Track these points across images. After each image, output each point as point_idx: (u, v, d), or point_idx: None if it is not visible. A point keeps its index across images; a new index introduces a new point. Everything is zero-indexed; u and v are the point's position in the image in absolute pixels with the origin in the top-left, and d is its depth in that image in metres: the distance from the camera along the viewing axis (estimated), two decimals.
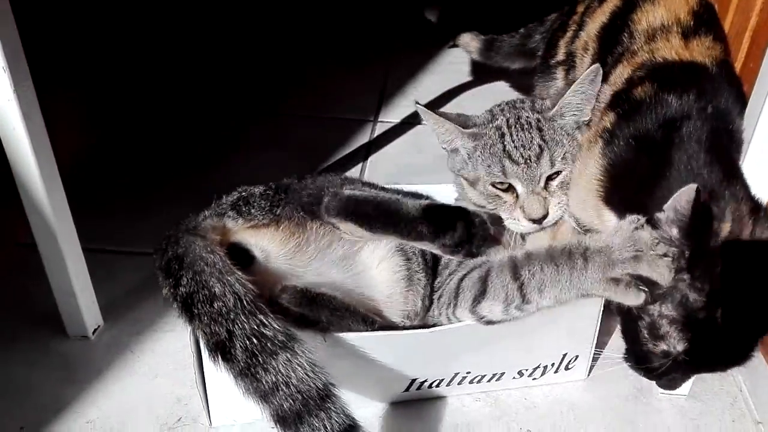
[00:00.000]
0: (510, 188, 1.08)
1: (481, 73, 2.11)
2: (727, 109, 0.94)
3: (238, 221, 0.98)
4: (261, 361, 0.83)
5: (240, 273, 0.89)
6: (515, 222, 1.08)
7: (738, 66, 1.17)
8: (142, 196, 1.58)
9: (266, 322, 0.85)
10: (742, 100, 0.96)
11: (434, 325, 1.03)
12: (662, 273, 0.85)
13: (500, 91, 1.95)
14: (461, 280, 1.00)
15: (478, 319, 0.98)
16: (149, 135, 1.85)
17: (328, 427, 0.81)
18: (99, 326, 1.20)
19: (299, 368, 0.83)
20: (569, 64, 1.31)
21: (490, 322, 0.98)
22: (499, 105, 1.15)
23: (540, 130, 1.07)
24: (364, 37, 2.47)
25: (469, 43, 1.77)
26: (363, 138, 1.85)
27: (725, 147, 0.91)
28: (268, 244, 0.98)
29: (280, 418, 0.83)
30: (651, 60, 1.03)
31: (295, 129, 1.89)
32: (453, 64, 2.23)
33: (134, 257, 1.36)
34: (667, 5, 1.10)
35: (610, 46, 1.13)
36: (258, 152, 1.75)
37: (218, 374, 0.96)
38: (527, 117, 1.08)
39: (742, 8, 1.18)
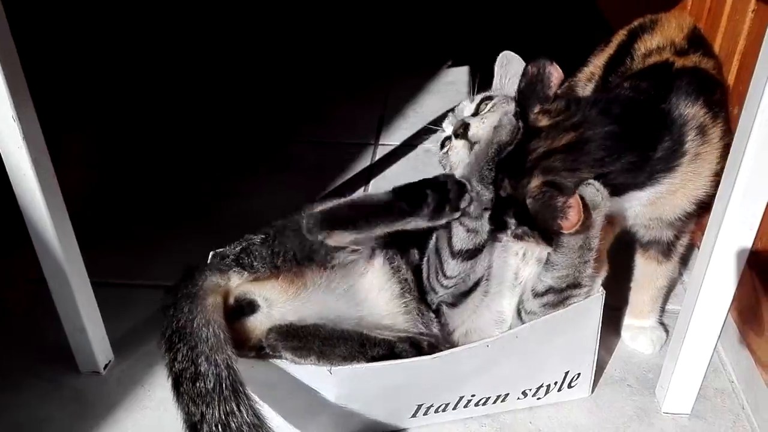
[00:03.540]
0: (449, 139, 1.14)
1: (480, 93, 2.14)
2: (665, 93, 1.02)
3: (243, 275, 1.01)
4: None
5: (230, 350, 0.91)
6: (449, 150, 1.11)
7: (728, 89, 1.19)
8: (150, 227, 1.61)
9: (236, 411, 0.86)
10: (694, 85, 1.03)
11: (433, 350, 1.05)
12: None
13: None
14: (435, 246, 1.04)
15: (460, 257, 1.01)
16: (155, 166, 1.89)
17: None
18: (110, 361, 1.23)
19: None
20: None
21: (468, 253, 1.01)
22: None
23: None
24: (363, 61, 2.51)
25: None
26: (365, 161, 1.88)
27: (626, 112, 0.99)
28: (270, 293, 1.00)
29: None
30: (641, 67, 1.12)
31: (298, 155, 1.92)
32: (452, 84, 2.27)
33: (143, 290, 1.38)
34: (663, 33, 1.17)
35: (614, 68, 1.21)
36: (263, 180, 1.78)
37: None
38: None
39: (729, 32, 1.21)
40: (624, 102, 1.02)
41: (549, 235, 1.00)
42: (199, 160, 1.92)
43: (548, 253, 1.04)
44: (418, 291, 1.10)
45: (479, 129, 1.07)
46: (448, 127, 1.17)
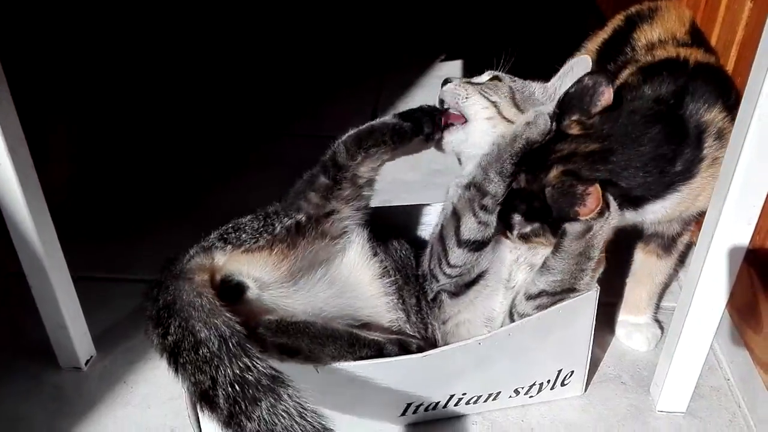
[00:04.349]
0: None
1: None
2: (684, 97, 1.01)
3: (226, 249, 0.97)
4: (244, 409, 0.80)
5: (228, 314, 0.88)
6: None
7: None
8: (134, 220, 1.58)
9: (251, 365, 0.82)
10: (711, 88, 1.02)
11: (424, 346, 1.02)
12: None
13: None
14: (440, 234, 1.05)
15: (467, 247, 1.02)
16: (141, 158, 1.85)
17: None
18: (92, 357, 1.20)
19: (285, 415, 0.80)
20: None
21: (475, 244, 1.02)
22: None
23: None
24: (356, 55, 2.48)
25: None
26: None
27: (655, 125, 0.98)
28: (261, 271, 0.97)
29: None
30: (651, 61, 1.10)
31: (290, 149, 1.88)
32: (444, 78, 2.23)
33: (126, 284, 1.35)
34: (663, 25, 1.16)
35: (613, 56, 1.19)
36: (254, 174, 1.75)
37: None
38: None
39: (728, 22, 1.19)
40: (647, 117, 0.99)
41: (560, 226, 1.00)
42: (188, 154, 1.88)
43: (546, 257, 1.03)
44: (404, 281, 1.10)
45: (446, 93, 1.14)
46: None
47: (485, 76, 1.18)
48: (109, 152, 1.87)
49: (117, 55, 2.28)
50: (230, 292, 0.94)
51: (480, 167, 1.00)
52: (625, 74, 1.13)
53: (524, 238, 1.04)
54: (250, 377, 0.82)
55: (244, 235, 0.98)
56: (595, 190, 0.92)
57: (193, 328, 0.86)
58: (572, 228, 0.98)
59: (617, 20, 1.24)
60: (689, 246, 1.22)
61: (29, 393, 1.13)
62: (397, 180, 1.72)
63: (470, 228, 1.01)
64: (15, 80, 0.98)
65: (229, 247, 0.97)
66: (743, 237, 0.93)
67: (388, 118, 1.11)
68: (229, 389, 0.81)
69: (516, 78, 1.18)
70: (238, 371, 0.82)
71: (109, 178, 1.76)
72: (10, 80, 0.97)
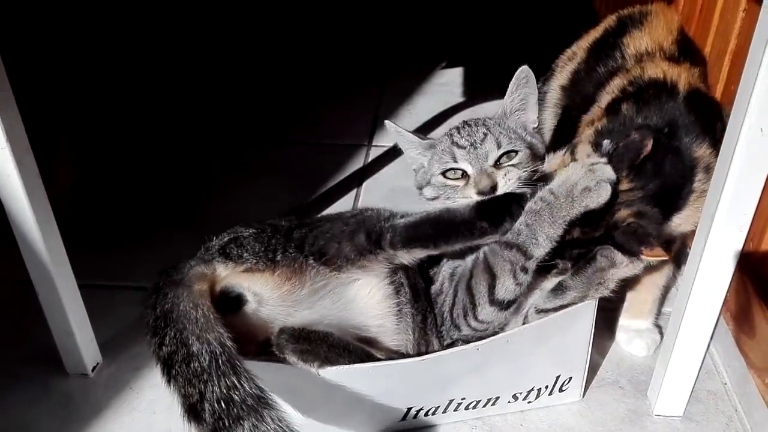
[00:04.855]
0: (463, 175, 1.09)
1: (473, 95, 2.13)
2: (678, 130, 1.06)
3: (228, 265, 0.98)
4: (227, 426, 0.82)
5: (221, 328, 0.89)
6: (466, 199, 1.08)
7: (720, 88, 1.19)
8: (138, 228, 1.60)
9: (237, 384, 0.84)
10: (701, 122, 1.06)
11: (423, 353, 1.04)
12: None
13: (492, 112, 1.96)
14: (468, 283, 1.02)
15: (499, 306, 1.01)
16: (144, 167, 1.88)
17: None
18: (98, 363, 1.22)
19: None
20: (546, 74, 1.41)
21: (509, 304, 1.01)
22: None
23: (485, 125, 1.13)
24: (358, 62, 2.50)
25: None
26: (358, 162, 1.86)
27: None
28: (262, 288, 0.98)
29: None
30: (641, 77, 1.12)
31: (291, 156, 1.90)
32: (445, 85, 2.25)
33: (131, 291, 1.37)
34: (651, 34, 1.18)
35: (603, 58, 1.23)
36: (255, 181, 1.77)
37: None
38: (474, 120, 1.16)
39: (721, 32, 1.20)
40: (665, 160, 1.03)
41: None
42: (189, 162, 1.90)
43: (564, 279, 1.04)
44: (415, 299, 1.07)
45: (504, 190, 1.06)
46: (464, 163, 1.09)
47: (496, 147, 1.09)
48: (111, 161, 1.90)
49: (119, 65, 2.30)
50: (229, 303, 0.96)
51: (526, 226, 0.97)
52: (615, 83, 1.16)
53: (561, 272, 1.06)
54: (236, 396, 0.83)
55: (246, 254, 0.99)
56: (659, 245, 0.96)
57: (187, 341, 0.87)
58: (601, 260, 0.99)
59: (609, 21, 1.27)
60: (684, 249, 1.23)
61: (37, 399, 1.15)
62: (397, 188, 1.74)
63: (507, 289, 0.99)
64: (18, 91, 1.00)
65: (231, 263, 0.98)
66: (735, 244, 0.94)
67: (463, 209, 1.03)
68: (216, 405, 0.83)
69: (499, 124, 1.14)
70: (225, 389, 0.84)
71: (112, 186, 1.78)
72: (14, 91, 0.99)
